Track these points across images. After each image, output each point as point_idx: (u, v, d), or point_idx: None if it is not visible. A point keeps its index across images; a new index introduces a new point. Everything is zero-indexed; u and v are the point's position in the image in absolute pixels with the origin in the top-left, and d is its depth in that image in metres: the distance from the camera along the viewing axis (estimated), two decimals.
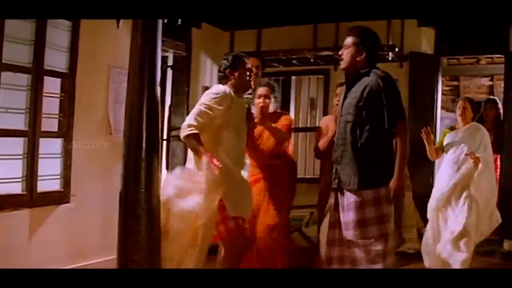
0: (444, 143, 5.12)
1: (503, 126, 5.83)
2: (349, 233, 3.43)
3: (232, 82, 3.83)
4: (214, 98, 3.69)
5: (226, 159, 3.64)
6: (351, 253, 3.44)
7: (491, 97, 6.94)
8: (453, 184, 4.91)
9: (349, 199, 3.45)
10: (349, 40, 3.54)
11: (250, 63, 4.56)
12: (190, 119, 3.63)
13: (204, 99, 3.72)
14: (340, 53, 3.60)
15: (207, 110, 3.64)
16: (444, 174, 5.06)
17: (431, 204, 5.04)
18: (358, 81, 3.49)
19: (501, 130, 5.83)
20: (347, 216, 3.45)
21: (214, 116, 3.67)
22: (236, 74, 3.84)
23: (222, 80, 3.88)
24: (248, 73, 3.89)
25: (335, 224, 3.54)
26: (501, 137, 5.81)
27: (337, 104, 4.38)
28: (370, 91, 3.40)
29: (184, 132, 3.60)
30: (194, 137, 3.57)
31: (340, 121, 3.56)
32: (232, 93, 3.77)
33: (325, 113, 6.34)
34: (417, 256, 5.23)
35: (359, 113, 3.42)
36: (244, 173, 4.18)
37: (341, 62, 3.58)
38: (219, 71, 3.92)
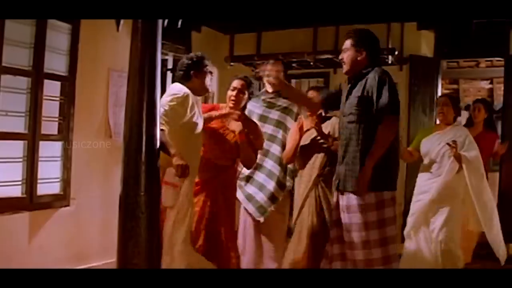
0: (422, 149, 4.68)
1: (495, 130, 5.55)
2: (350, 235, 3.42)
3: (194, 82, 3.72)
4: (176, 98, 3.58)
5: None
6: (351, 255, 3.43)
7: (480, 97, 6.61)
8: (435, 195, 4.47)
9: (350, 201, 3.42)
10: (347, 42, 3.54)
11: (270, 67, 4.54)
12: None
13: (166, 99, 3.61)
14: (340, 57, 3.59)
15: (171, 110, 3.51)
16: (423, 184, 4.64)
17: (411, 220, 4.62)
18: (360, 80, 3.48)
19: (492, 134, 5.41)
20: (349, 218, 3.43)
21: (178, 116, 3.57)
22: (200, 75, 3.73)
23: (182, 79, 3.75)
24: (210, 77, 3.82)
25: (337, 223, 3.54)
26: (492, 141, 5.36)
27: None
28: (369, 88, 3.39)
29: None
30: (162, 132, 3.48)
31: (343, 121, 3.54)
32: (191, 94, 3.63)
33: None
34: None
35: (361, 112, 3.40)
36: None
37: (343, 66, 3.58)
38: (180, 69, 3.77)
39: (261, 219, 4.42)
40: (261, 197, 4.44)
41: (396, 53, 5.83)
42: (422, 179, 4.68)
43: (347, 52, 3.53)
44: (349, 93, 3.52)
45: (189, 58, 3.80)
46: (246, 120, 4.05)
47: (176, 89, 3.66)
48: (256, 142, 4.11)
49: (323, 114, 4.39)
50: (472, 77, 9.11)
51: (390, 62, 5.85)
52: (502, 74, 6.17)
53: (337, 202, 3.56)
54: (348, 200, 3.43)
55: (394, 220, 3.43)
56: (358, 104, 3.41)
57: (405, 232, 4.65)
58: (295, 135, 4.33)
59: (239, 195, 4.50)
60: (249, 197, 4.48)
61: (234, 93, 4.02)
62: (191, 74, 3.72)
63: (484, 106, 5.42)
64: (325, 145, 4.21)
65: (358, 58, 3.49)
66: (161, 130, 3.42)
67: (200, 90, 3.79)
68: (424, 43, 6.21)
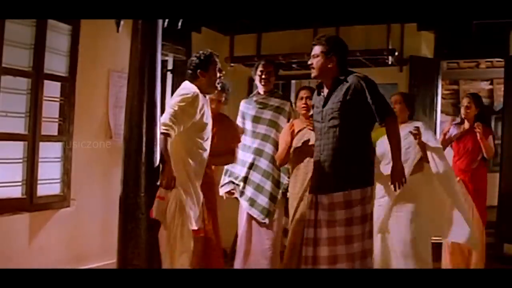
0: (378, 151, 4.37)
1: (488, 125, 5.32)
2: (330, 232, 3.48)
3: (201, 81, 3.73)
4: (186, 98, 3.60)
5: (185, 173, 3.63)
6: (332, 251, 3.48)
7: (471, 92, 6.34)
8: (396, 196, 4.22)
9: (336, 199, 3.50)
10: (316, 49, 3.60)
11: (261, 68, 4.58)
12: (165, 118, 3.56)
13: (176, 100, 3.63)
14: (309, 62, 3.65)
15: (180, 110, 3.54)
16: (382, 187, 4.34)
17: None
18: (337, 86, 3.56)
19: (485, 130, 5.07)
20: (331, 215, 3.50)
21: (187, 116, 3.60)
22: (206, 74, 3.73)
23: (190, 78, 3.77)
24: (218, 75, 3.81)
25: (312, 223, 3.59)
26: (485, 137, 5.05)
27: (303, 107, 4.38)
28: (353, 93, 3.49)
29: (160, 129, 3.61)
30: (164, 138, 3.50)
31: (323, 127, 3.60)
32: (200, 94, 3.66)
33: None
34: None
35: (344, 116, 3.51)
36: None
37: (312, 71, 3.65)
38: (189, 68, 3.77)
39: (266, 221, 4.46)
40: (262, 199, 4.47)
41: (396, 54, 5.82)
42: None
43: (317, 58, 3.60)
44: (327, 100, 3.60)
45: (196, 56, 3.79)
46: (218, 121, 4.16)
47: (186, 88, 3.67)
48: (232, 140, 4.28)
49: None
50: (472, 78, 9.11)
51: (390, 63, 5.85)
52: (502, 75, 6.16)
53: (314, 203, 3.61)
54: (332, 199, 3.51)
55: (371, 216, 3.58)
56: (341, 109, 3.51)
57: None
58: (287, 136, 4.36)
59: (242, 202, 4.55)
60: (251, 202, 4.51)
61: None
62: (198, 73, 3.73)
63: (474, 101, 5.15)
64: None
65: (329, 66, 3.57)
66: (165, 134, 3.43)
67: (207, 89, 3.78)
68: (424, 44, 6.21)
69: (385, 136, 4.15)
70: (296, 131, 4.37)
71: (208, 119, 3.77)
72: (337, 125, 3.52)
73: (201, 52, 3.83)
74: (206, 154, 3.80)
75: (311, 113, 4.38)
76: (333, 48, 3.57)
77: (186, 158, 3.64)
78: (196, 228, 3.77)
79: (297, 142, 4.33)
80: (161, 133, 3.47)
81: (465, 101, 5.17)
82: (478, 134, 4.94)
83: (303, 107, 4.38)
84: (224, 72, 3.90)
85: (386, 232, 4.32)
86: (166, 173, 3.38)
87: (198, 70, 3.71)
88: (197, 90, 3.64)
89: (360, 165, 3.54)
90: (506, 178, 5.78)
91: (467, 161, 5.04)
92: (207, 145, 3.81)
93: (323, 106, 3.61)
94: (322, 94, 3.67)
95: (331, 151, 3.54)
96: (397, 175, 3.56)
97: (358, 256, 3.45)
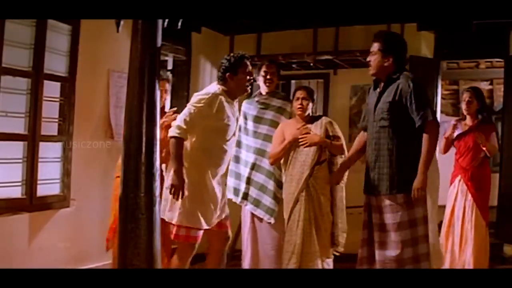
0: None
1: (490, 121, 5.32)
2: (381, 236, 3.47)
3: (229, 84, 3.74)
4: (203, 99, 3.64)
5: (201, 174, 3.69)
6: (382, 255, 3.47)
7: (471, 86, 6.12)
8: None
9: (383, 202, 3.49)
10: (375, 46, 3.58)
11: (265, 69, 4.58)
12: (179, 120, 3.60)
13: (193, 100, 3.68)
14: (368, 59, 3.64)
15: (196, 111, 3.59)
16: None
17: None
18: (389, 86, 3.53)
19: (489, 126, 5.12)
20: (380, 219, 3.49)
21: (202, 118, 3.62)
22: (235, 77, 3.75)
23: (220, 81, 3.80)
24: (248, 77, 3.81)
25: (366, 225, 3.61)
26: (489, 133, 5.01)
27: (299, 107, 4.38)
28: (401, 94, 3.45)
29: (171, 132, 3.61)
30: (178, 142, 3.53)
31: (374, 126, 3.59)
32: (223, 96, 3.70)
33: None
34: None
35: (393, 116, 3.47)
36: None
37: (370, 68, 3.63)
38: (219, 70, 3.80)
39: (272, 220, 4.48)
40: (266, 199, 4.50)
41: None
42: None
43: (374, 56, 3.57)
44: (379, 99, 3.56)
45: (227, 58, 3.80)
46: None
47: (207, 89, 3.74)
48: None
49: (311, 114, 4.44)
50: (472, 78, 9.10)
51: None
52: (502, 75, 6.17)
53: (367, 204, 3.62)
54: (381, 201, 3.50)
55: (423, 220, 3.50)
56: (390, 109, 3.47)
57: None
58: (280, 137, 4.36)
59: (248, 205, 4.56)
60: (256, 203, 4.52)
61: None
62: (227, 76, 3.73)
63: (475, 95, 5.08)
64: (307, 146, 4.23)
65: (385, 64, 3.54)
66: (178, 138, 3.46)
67: (237, 91, 3.80)
68: (424, 44, 6.20)
69: None
70: (289, 131, 4.38)
71: (231, 121, 3.77)
72: (386, 126, 3.50)
73: (232, 54, 3.85)
74: (227, 155, 3.88)
75: (306, 113, 4.40)
76: (390, 46, 3.55)
77: (204, 160, 3.67)
78: (207, 227, 3.81)
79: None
80: (173, 136, 3.50)
81: (466, 96, 5.11)
82: (480, 142, 4.87)
83: (299, 107, 4.38)
84: (254, 75, 3.87)
85: None
86: (174, 181, 3.42)
87: (227, 73, 3.71)
88: (217, 91, 3.65)
89: (406, 169, 3.46)
90: (506, 178, 5.78)
91: (468, 159, 4.99)
92: (230, 146, 3.82)
93: (375, 105, 3.58)
94: (377, 90, 3.63)
95: (378, 152, 3.53)
96: (419, 187, 3.40)
97: (409, 261, 3.42)
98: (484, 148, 4.90)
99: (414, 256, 3.44)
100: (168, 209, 3.77)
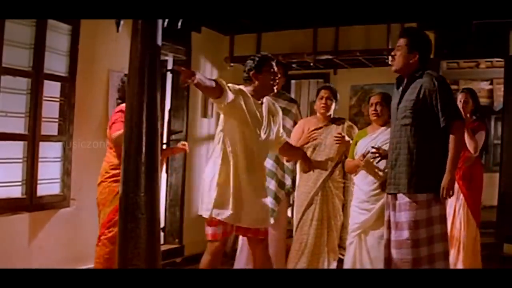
0: (358, 151, 4.20)
1: (483, 120, 5.27)
2: (399, 234, 3.46)
3: (254, 84, 3.69)
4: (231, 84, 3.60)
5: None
6: (399, 253, 3.46)
7: (467, 87, 6.00)
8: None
9: (401, 200, 3.48)
10: (401, 41, 3.55)
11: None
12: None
13: None
14: (392, 54, 3.61)
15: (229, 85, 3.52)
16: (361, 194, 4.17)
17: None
18: (412, 83, 3.50)
19: (481, 125, 5.06)
20: (398, 217, 3.48)
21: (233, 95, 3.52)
22: (260, 77, 3.69)
23: (246, 81, 3.74)
24: (272, 77, 3.76)
25: (388, 225, 3.59)
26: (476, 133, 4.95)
27: (323, 106, 4.38)
28: (425, 92, 3.42)
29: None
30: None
31: (396, 125, 3.56)
32: (249, 94, 3.64)
33: None
34: None
35: (416, 115, 3.44)
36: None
37: (393, 63, 3.59)
38: (244, 71, 3.75)
39: (272, 221, 4.46)
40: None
41: None
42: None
43: (400, 51, 3.54)
44: (402, 97, 3.54)
45: (252, 59, 3.76)
46: None
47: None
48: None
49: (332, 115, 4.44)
50: (472, 78, 9.10)
51: (390, 62, 5.84)
52: (502, 75, 6.17)
53: (387, 202, 3.61)
54: (401, 199, 3.48)
55: (441, 218, 3.49)
56: (413, 107, 3.44)
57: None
58: (298, 135, 4.36)
59: None
60: None
61: None
62: (251, 75, 3.70)
63: (471, 96, 5.12)
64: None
65: (410, 61, 3.51)
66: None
67: (262, 91, 3.73)
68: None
69: (366, 137, 4.17)
70: (311, 129, 4.37)
71: (254, 115, 3.68)
72: (408, 124, 3.46)
73: (257, 54, 3.83)
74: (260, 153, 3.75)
75: (329, 113, 4.41)
76: (417, 43, 3.52)
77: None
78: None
79: (313, 140, 4.34)
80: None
81: (462, 96, 5.11)
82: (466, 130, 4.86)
83: (323, 106, 4.38)
84: (279, 76, 3.83)
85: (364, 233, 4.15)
86: None
87: (252, 72, 3.68)
88: (246, 88, 3.64)
89: (426, 168, 3.44)
90: (506, 178, 5.77)
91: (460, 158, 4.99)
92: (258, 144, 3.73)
93: (398, 103, 3.56)
94: (400, 88, 3.60)
95: (399, 150, 3.50)
96: (448, 186, 3.38)
97: (426, 261, 3.41)
98: (466, 138, 4.85)
99: (430, 255, 3.43)
100: None
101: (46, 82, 4.43)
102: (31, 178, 4.33)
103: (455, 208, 4.95)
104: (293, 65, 6.42)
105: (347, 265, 4.11)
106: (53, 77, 4.53)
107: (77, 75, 4.68)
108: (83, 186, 4.75)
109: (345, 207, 4.40)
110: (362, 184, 4.10)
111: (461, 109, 4.97)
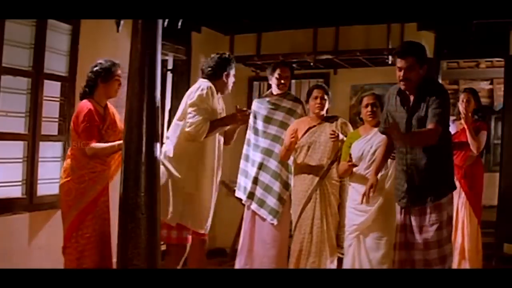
0: (355, 153, 4.16)
1: (484, 120, 5.31)
2: (426, 236, 3.52)
3: (219, 81, 3.85)
4: (202, 94, 3.71)
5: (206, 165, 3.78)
6: (418, 255, 3.54)
7: (468, 87, 6.06)
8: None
9: (413, 208, 3.58)
10: (410, 60, 3.50)
11: (279, 72, 4.61)
12: (195, 119, 3.66)
13: (195, 101, 3.72)
14: (404, 76, 3.53)
15: (202, 108, 3.69)
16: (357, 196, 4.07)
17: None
18: (419, 95, 3.54)
19: (482, 125, 5.08)
20: (423, 220, 3.54)
21: (209, 112, 3.72)
22: (225, 74, 3.87)
23: (210, 77, 3.87)
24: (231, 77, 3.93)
25: (398, 228, 3.67)
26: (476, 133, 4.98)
27: (318, 106, 4.39)
28: (429, 99, 3.47)
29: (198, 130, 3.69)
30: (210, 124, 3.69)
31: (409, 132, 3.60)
32: (215, 90, 3.81)
33: None
34: None
35: (423, 122, 3.49)
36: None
37: (405, 84, 3.54)
38: (210, 67, 3.89)
39: (275, 222, 4.48)
40: (270, 200, 4.50)
41: None
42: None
43: (413, 71, 3.50)
44: (412, 113, 3.55)
45: (217, 55, 3.95)
46: None
47: (199, 87, 3.80)
48: None
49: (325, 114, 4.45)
50: (472, 77, 9.12)
51: (390, 62, 5.84)
52: (502, 75, 6.16)
53: (407, 209, 3.64)
54: (411, 208, 3.60)
55: (448, 221, 3.59)
56: (425, 124, 3.47)
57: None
58: (289, 138, 4.38)
59: (253, 204, 4.56)
60: (261, 203, 4.53)
61: None
62: (218, 72, 3.91)
63: (473, 96, 5.10)
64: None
65: (421, 73, 3.54)
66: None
67: (223, 89, 3.95)
68: (424, 44, 6.17)
69: (360, 139, 4.16)
70: (304, 130, 4.39)
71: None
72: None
73: (221, 53, 4.00)
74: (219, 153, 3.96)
75: (322, 113, 4.41)
76: (422, 55, 3.56)
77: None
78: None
79: (307, 139, 4.35)
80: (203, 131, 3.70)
81: (464, 96, 5.10)
82: (467, 130, 4.89)
83: (318, 106, 4.39)
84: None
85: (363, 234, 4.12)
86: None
87: (222, 70, 3.91)
88: (211, 85, 3.81)
89: (444, 172, 3.57)
90: (506, 178, 5.77)
91: (461, 157, 5.00)
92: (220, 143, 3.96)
93: (410, 115, 3.56)
94: (405, 104, 3.60)
95: (410, 161, 3.56)
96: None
97: (436, 262, 3.50)
98: (468, 138, 4.87)
99: (440, 257, 3.51)
100: None
101: (46, 82, 4.43)
102: (31, 178, 4.33)
103: (457, 206, 4.95)
104: (293, 65, 6.41)
105: (346, 266, 4.11)
106: (53, 77, 4.54)
107: (77, 75, 4.68)
108: None
109: (341, 206, 4.40)
110: (358, 186, 4.06)
111: (463, 109, 5.02)
